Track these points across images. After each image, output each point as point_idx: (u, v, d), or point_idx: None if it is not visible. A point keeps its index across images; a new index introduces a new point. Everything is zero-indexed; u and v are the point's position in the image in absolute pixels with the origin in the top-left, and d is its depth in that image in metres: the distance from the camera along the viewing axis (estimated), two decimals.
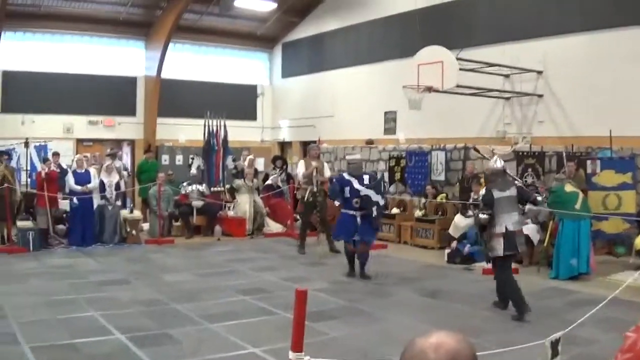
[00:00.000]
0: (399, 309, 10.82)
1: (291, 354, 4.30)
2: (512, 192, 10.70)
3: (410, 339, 2.03)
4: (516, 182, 12.42)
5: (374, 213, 13.28)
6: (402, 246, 18.09)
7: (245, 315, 10.19)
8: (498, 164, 11.24)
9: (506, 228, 10.38)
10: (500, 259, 10.55)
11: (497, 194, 10.52)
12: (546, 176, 16.10)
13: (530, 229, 14.60)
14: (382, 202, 13.71)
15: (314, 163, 16.66)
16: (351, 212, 13.29)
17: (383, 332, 9.27)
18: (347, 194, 13.30)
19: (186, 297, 11.34)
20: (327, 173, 17.18)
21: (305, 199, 16.70)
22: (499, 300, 10.76)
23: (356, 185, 13.19)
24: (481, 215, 10.56)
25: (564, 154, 15.57)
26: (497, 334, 9.05)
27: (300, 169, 17.05)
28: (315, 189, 16.46)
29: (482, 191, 10.85)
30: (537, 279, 13.35)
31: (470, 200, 15.84)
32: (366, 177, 13.44)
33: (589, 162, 14.67)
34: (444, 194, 18.21)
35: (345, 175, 13.65)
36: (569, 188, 13.43)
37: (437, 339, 1.94)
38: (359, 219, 13.21)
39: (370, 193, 13.20)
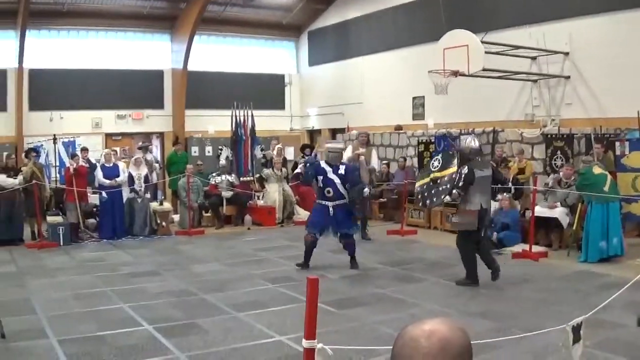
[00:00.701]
0: (429, 295, 10.78)
1: (304, 342, 4.29)
2: (488, 172, 11.35)
3: (403, 326, 2.01)
4: (492, 163, 12.67)
5: (361, 197, 13.13)
6: (432, 232, 18.01)
7: (273, 303, 10.22)
8: (475, 143, 11.47)
9: (481, 206, 11.12)
10: (466, 232, 11.30)
11: (477, 173, 11.03)
12: (575, 159, 15.93)
13: (559, 212, 14.51)
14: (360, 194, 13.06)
15: (361, 150, 16.56)
16: (324, 202, 12.80)
17: (413, 318, 9.17)
18: (320, 183, 12.85)
19: (215, 287, 11.40)
20: (374, 161, 17.01)
21: None
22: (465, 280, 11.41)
23: (330, 174, 12.73)
24: (455, 191, 10.99)
25: (592, 136, 15.44)
26: (523, 319, 8.99)
27: (347, 153, 16.96)
28: None
29: (465, 169, 10.99)
30: (566, 262, 13.26)
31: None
32: (342, 167, 12.88)
33: (617, 143, 14.54)
34: None
35: (322, 163, 13.16)
36: (597, 170, 13.29)
37: (431, 326, 1.92)
38: (331, 209, 12.68)
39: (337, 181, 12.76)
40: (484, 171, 11.19)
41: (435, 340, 1.88)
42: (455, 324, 1.96)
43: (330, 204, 12.68)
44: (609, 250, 12.91)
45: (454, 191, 11.00)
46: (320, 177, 12.80)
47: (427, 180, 11.74)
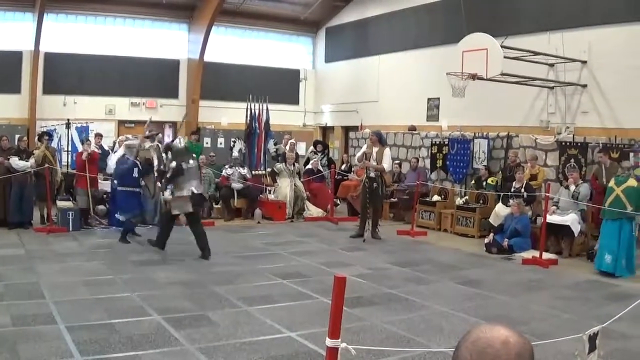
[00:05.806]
0: (438, 297, 10.73)
1: (328, 341, 4.27)
2: (195, 163, 14.10)
3: (468, 332, 1.99)
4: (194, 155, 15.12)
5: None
6: (442, 234, 17.99)
7: (283, 299, 10.22)
8: (181, 144, 14.32)
9: (192, 191, 13.58)
10: (189, 213, 13.88)
11: (184, 165, 13.57)
12: (588, 167, 15.86)
13: (570, 220, 14.46)
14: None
15: (375, 148, 16.46)
16: (137, 189, 15.73)
17: (422, 319, 9.23)
18: (135, 174, 15.63)
19: (224, 280, 11.39)
20: (387, 161, 16.49)
21: (362, 182, 16.68)
22: (154, 243, 14.04)
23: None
24: (167, 196, 13.77)
25: (599, 145, 15.45)
26: (534, 325, 8.99)
27: (359, 152, 16.96)
28: (372, 174, 16.28)
29: (173, 164, 13.56)
30: (575, 270, 13.30)
31: (512, 190, 15.78)
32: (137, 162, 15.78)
33: (631, 154, 14.47)
34: (496, 178, 17.91)
35: (131, 158, 15.77)
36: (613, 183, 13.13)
37: (499, 333, 1.95)
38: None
39: None
40: (190, 163, 13.78)
41: (512, 347, 1.91)
42: (517, 331, 1.99)
43: (141, 190, 16.03)
44: (617, 270, 12.70)
45: (166, 194, 13.76)
46: (136, 169, 15.69)
47: None
